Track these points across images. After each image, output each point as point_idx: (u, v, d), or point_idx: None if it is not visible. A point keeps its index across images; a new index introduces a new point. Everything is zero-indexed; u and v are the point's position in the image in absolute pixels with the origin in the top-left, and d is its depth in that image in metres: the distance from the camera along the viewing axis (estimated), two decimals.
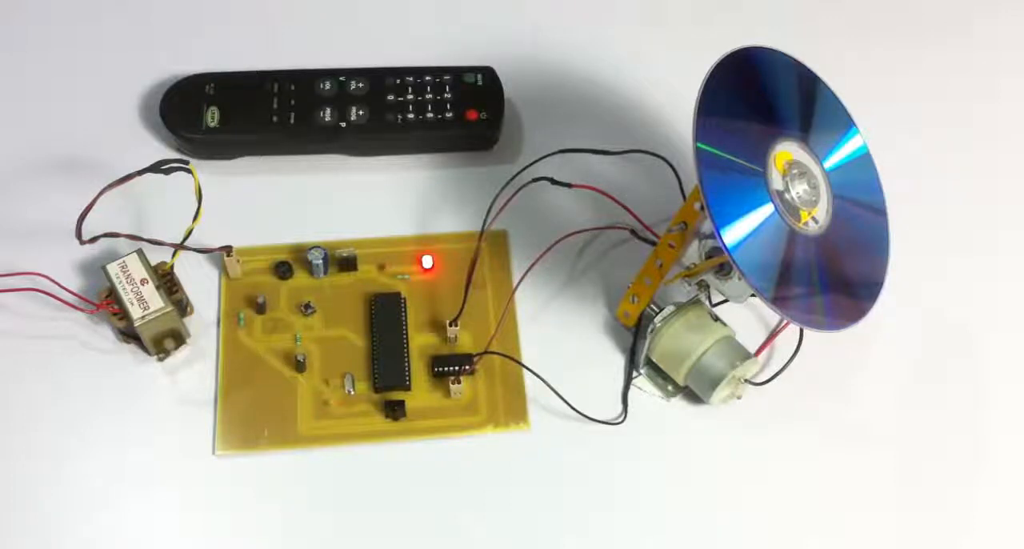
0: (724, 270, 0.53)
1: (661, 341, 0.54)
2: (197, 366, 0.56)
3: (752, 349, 0.55)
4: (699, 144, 0.48)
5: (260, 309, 0.57)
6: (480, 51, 0.66)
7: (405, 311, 0.57)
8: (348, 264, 0.58)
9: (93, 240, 0.54)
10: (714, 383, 0.53)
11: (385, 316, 0.57)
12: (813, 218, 0.51)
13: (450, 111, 0.62)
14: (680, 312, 0.54)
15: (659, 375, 0.56)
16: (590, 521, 0.53)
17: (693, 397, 0.56)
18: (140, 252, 0.55)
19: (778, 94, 0.53)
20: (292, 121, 0.61)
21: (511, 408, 0.55)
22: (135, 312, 0.53)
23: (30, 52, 0.66)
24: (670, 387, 0.56)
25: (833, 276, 0.52)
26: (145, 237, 0.55)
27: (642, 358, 0.56)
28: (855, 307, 0.52)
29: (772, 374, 0.55)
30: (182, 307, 0.56)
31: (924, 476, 0.55)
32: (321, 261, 0.57)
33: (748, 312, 0.58)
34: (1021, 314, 0.60)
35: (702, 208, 0.49)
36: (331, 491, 0.53)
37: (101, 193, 0.53)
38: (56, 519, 0.52)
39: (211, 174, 0.59)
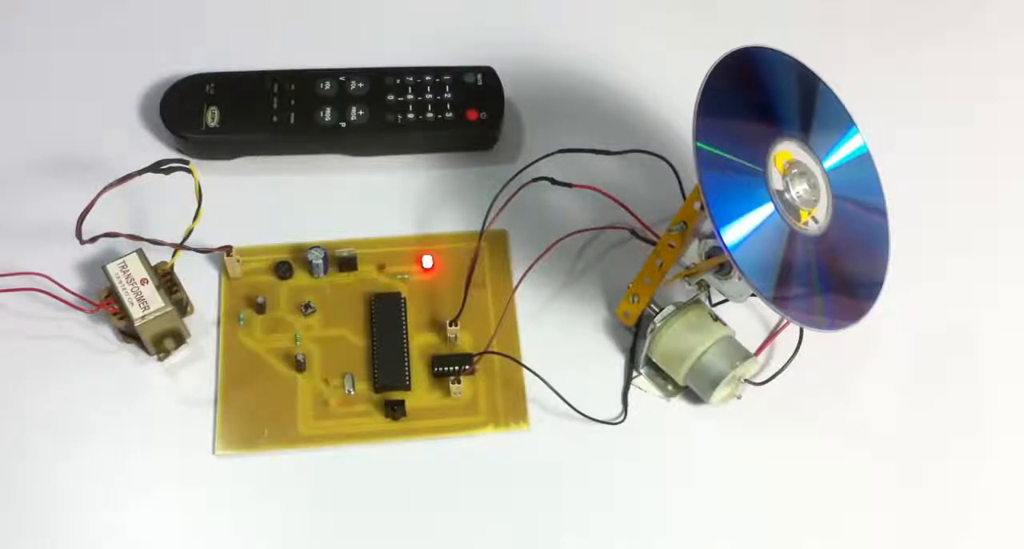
0: (724, 270, 0.53)
1: (661, 341, 0.54)
2: (197, 366, 0.56)
3: (752, 349, 0.55)
4: (699, 144, 0.48)
5: (260, 309, 0.57)
6: (480, 51, 0.66)
7: (405, 311, 0.57)
8: (348, 264, 0.58)
9: (93, 240, 0.54)
10: (714, 383, 0.53)
11: (385, 316, 0.57)
12: (813, 218, 0.51)
13: (450, 111, 0.62)
14: (680, 312, 0.54)
15: (659, 375, 0.56)
16: (590, 521, 0.53)
17: (693, 397, 0.56)
18: (140, 252, 0.55)
19: (778, 94, 0.53)
20: (292, 121, 0.61)
21: (511, 408, 0.55)
22: (135, 312, 0.53)
23: (30, 52, 0.66)
24: (670, 387, 0.56)
25: (833, 276, 0.52)
26: (145, 237, 0.55)
27: (642, 358, 0.56)
28: (855, 307, 0.52)
29: (772, 374, 0.55)
30: (182, 307, 0.56)
31: (924, 476, 0.55)
32: (321, 261, 0.57)
33: (748, 312, 0.58)
34: (1021, 314, 0.60)
35: (702, 208, 0.49)
36: (331, 491, 0.53)
37: (101, 193, 0.53)
38: (56, 519, 0.52)
39: (211, 174, 0.59)
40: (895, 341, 0.58)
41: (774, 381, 0.55)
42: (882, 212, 0.56)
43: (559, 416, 0.55)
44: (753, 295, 0.51)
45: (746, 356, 0.54)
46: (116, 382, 0.55)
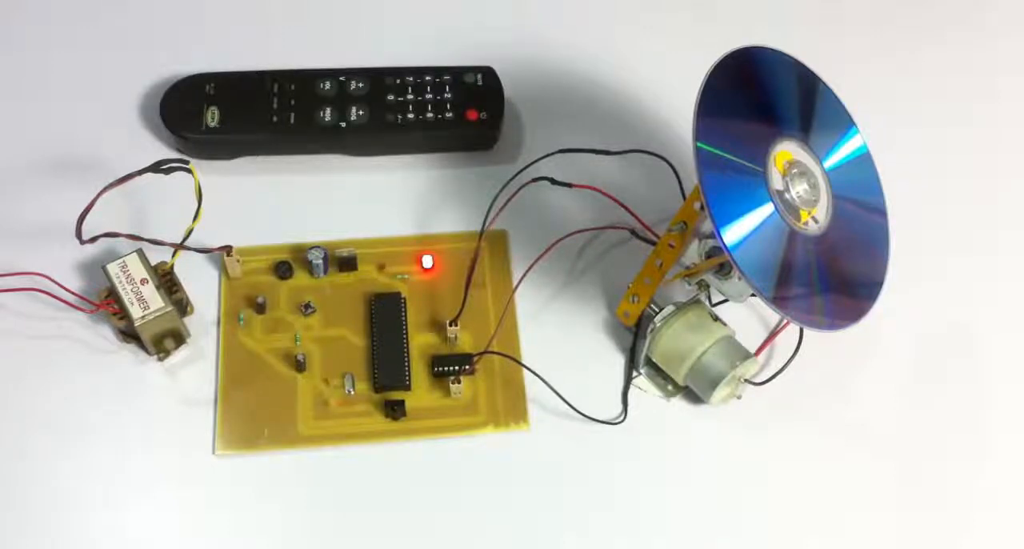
0: (724, 270, 0.53)
1: (661, 341, 0.54)
2: (197, 366, 0.56)
3: (752, 349, 0.55)
4: (699, 144, 0.48)
5: (260, 309, 0.57)
6: (480, 51, 0.66)
7: (405, 311, 0.57)
8: (348, 264, 0.58)
9: (93, 240, 0.54)
10: (714, 383, 0.53)
11: (385, 316, 0.57)
12: (813, 218, 0.51)
13: (450, 111, 0.62)
14: (680, 312, 0.54)
15: (659, 375, 0.56)
16: (590, 521, 0.53)
17: (693, 397, 0.56)
18: (140, 252, 0.55)
19: (778, 94, 0.53)
20: (292, 121, 0.61)
21: (511, 408, 0.55)
22: (135, 312, 0.53)
23: (30, 52, 0.66)
24: (670, 387, 0.56)
25: (833, 276, 0.52)
26: (145, 237, 0.55)
27: (642, 358, 0.56)
28: (855, 307, 0.52)
29: (772, 374, 0.55)
30: (182, 307, 0.56)
31: (924, 476, 0.55)
32: (321, 261, 0.57)
33: (748, 312, 0.58)
34: (1021, 314, 0.60)
35: (702, 208, 0.49)
36: (331, 491, 0.53)
37: (101, 193, 0.53)
38: (56, 519, 0.52)
39: (211, 174, 0.59)
40: (895, 341, 0.58)
41: (774, 381, 0.55)
42: (882, 212, 0.56)
43: (559, 416, 0.55)
44: (753, 295, 0.51)
45: (746, 356, 0.54)
46: (116, 382, 0.55)
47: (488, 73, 0.63)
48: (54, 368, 0.55)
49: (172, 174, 0.54)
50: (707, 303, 0.55)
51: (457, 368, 0.55)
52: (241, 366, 0.56)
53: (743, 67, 0.51)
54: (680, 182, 0.60)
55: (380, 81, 0.62)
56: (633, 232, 0.60)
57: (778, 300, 0.49)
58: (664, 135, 0.63)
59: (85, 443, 0.54)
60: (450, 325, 0.56)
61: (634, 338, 0.57)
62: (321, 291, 0.58)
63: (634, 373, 0.56)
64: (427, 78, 0.62)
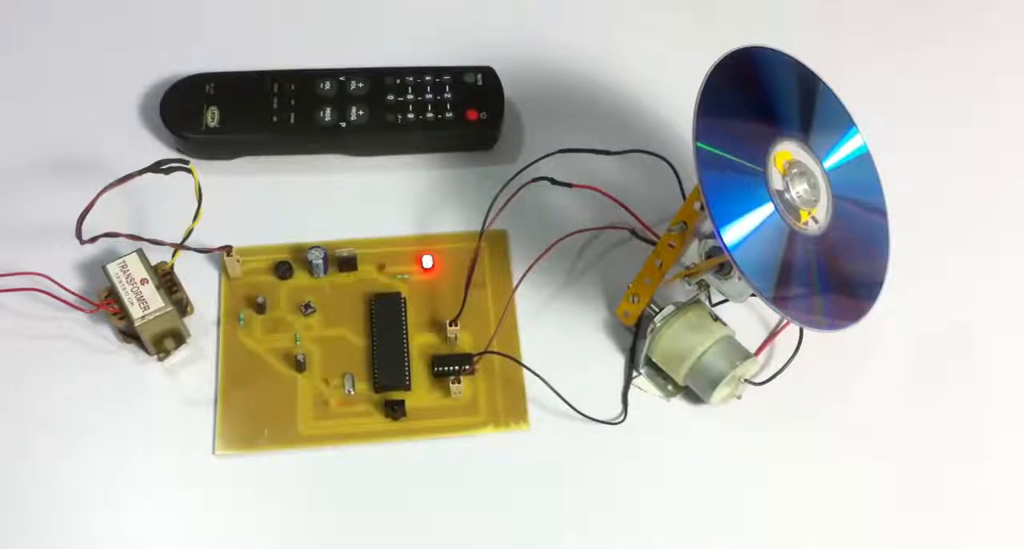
0: (724, 270, 0.53)
1: (661, 341, 0.54)
2: (197, 366, 0.56)
3: (752, 349, 0.55)
4: (699, 144, 0.48)
5: (260, 309, 0.57)
6: (480, 51, 0.66)
7: (405, 311, 0.57)
8: (348, 264, 0.58)
9: (93, 240, 0.54)
10: (714, 383, 0.53)
11: (385, 316, 0.57)
12: (813, 218, 0.51)
13: (450, 111, 0.62)
14: (680, 312, 0.54)
15: (659, 375, 0.56)
16: (590, 521, 0.53)
17: (693, 397, 0.56)
18: (140, 252, 0.55)
19: (778, 94, 0.53)
20: (292, 121, 0.61)
21: (511, 408, 0.55)
22: (135, 312, 0.53)
23: (30, 52, 0.66)
24: (670, 387, 0.56)
25: (833, 276, 0.52)
26: (145, 237, 0.55)
27: (642, 358, 0.56)
28: (855, 307, 0.52)
29: (772, 374, 0.55)
30: (182, 307, 0.56)
31: (924, 476, 0.55)
32: (321, 261, 0.57)
33: (748, 312, 0.58)
34: (1021, 314, 0.60)
35: (702, 208, 0.49)
36: (331, 491, 0.53)
37: (101, 193, 0.53)
38: (56, 519, 0.52)
39: (211, 174, 0.59)
40: (895, 341, 0.58)
41: (774, 381, 0.55)
42: (882, 212, 0.56)
43: (559, 416, 0.55)
44: (753, 295, 0.51)
45: (746, 356, 0.54)
46: (116, 382, 0.55)
47: (488, 73, 0.63)
48: (54, 368, 0.55)
49: (172, 174, 0.54)
50: (707, 303, 0.55)
51: (457, 368, 0.55)
52: (241, 366, 0.56)
53: (743, 67, 0.51)
54: (680, 182, 0.60)
55: (380, 81, 0.62)
56: (633, 232, 0.60)
57: (778, 300, 0.49)
58: (664, 135, 0.63)
59: (85, 443, 0.54)
60: (450, 325, 0.56)
61: (634, 338, 0.57)
62: (321, 291, 0.58)
63: (634, 373, 0.56)
64: (427, 78, 0.62)
